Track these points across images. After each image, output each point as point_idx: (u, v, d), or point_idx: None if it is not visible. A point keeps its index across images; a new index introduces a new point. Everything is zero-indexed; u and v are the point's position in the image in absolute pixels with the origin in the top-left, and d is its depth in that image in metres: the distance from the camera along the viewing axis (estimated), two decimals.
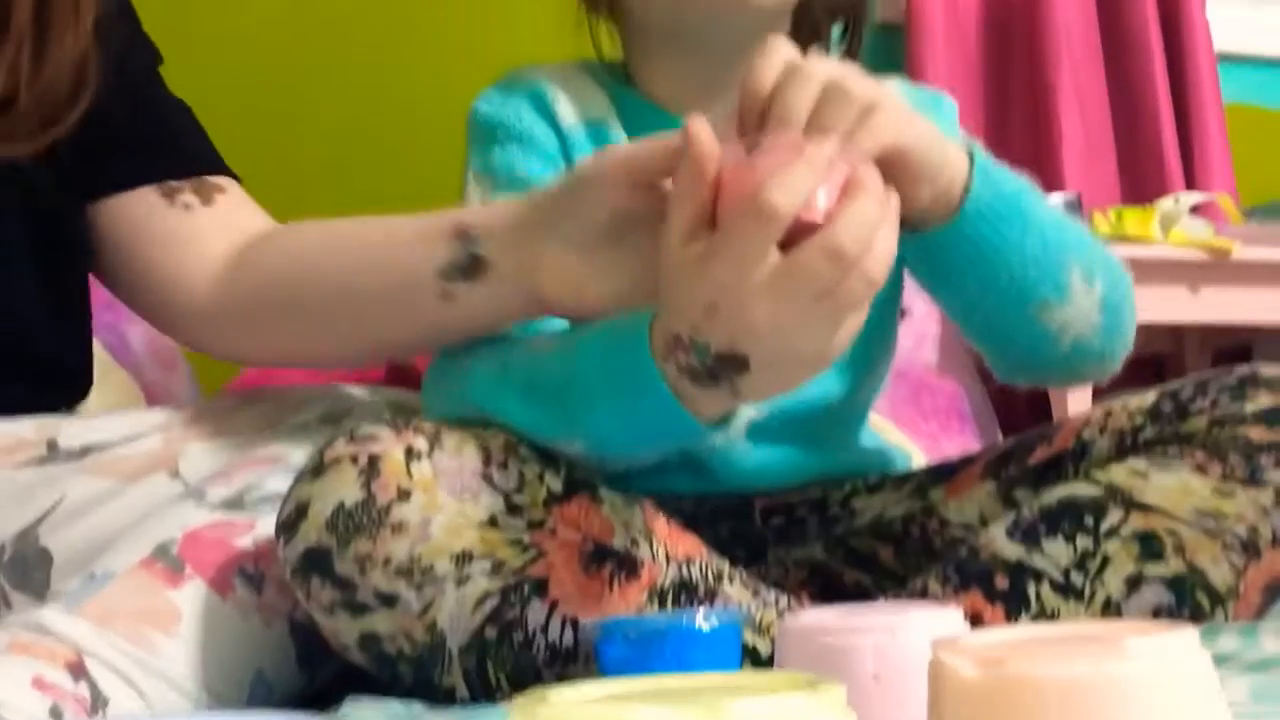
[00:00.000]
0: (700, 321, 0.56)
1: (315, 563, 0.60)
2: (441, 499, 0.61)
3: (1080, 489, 0.66)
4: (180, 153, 0.85)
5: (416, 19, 1.75)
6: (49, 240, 0.83)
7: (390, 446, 0.61)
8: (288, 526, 0.61)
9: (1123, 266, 0.77)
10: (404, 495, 0.60)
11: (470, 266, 0.68)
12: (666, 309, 0.59)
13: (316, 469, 0.61)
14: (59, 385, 0.83)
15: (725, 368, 0.57)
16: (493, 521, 0.61)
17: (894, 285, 0.83)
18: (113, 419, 0.80)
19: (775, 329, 0.55)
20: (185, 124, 0.88)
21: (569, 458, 0.66)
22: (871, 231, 0.54)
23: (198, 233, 0.82)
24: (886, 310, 0.82)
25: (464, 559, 0.60)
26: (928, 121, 0.65)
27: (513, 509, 0.62)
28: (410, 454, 0.61)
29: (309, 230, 0.80)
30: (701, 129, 0.55)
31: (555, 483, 0.64)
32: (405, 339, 0.75)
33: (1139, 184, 2.12)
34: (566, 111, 0.80)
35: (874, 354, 0.82)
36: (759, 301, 0.54)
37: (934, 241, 0.68)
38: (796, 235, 0.54)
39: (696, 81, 0.78)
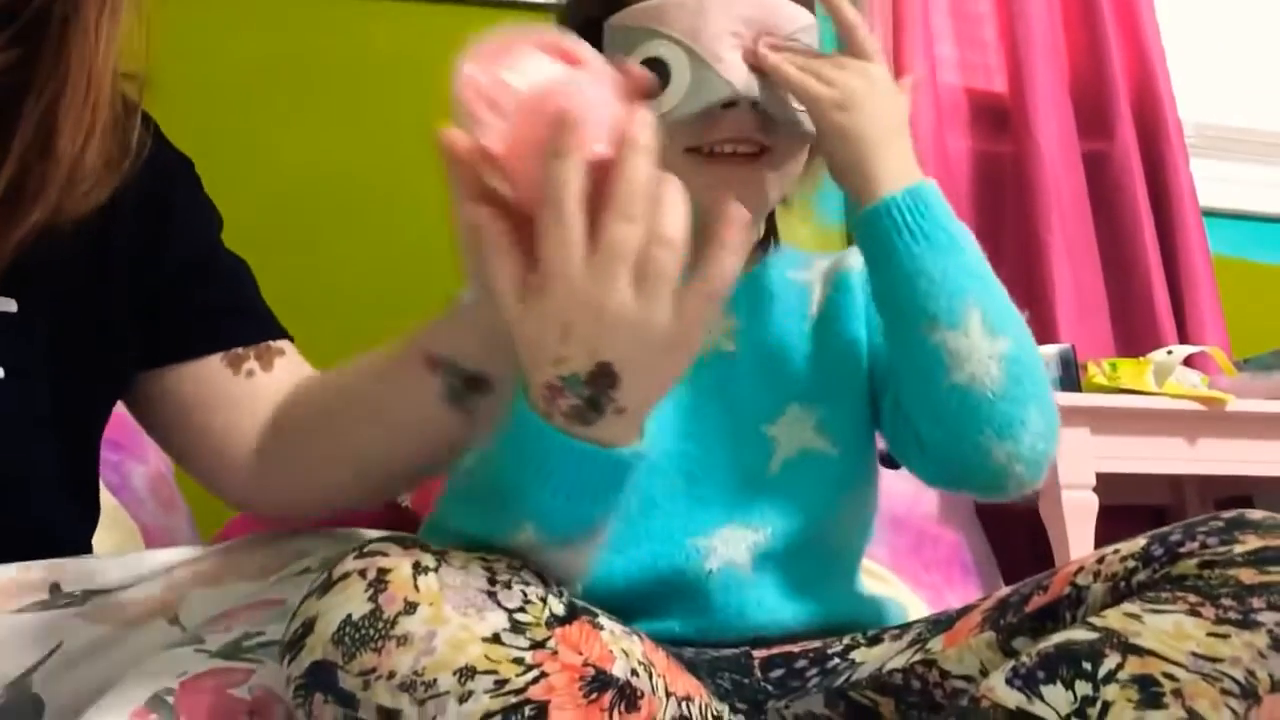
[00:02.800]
0: (559, 351, 0.60)
1: (320, 678, 0.60)
2: (446, 612, 0.60)
3: (1077, 634, 0.65)
4: (246, 319, 0.87)
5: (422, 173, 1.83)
6: (75, 414, 0.83)
7: (398, 560, 0.62)
8: (293, 644, 0.61)
9: (1042, 365, 0.83)
10: (410, 608, 0.60)
11: (473, 384, 0.70)
12: (528, 366, 0.62)
13: (325, 585, 0.62)
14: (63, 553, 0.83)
15: (600, 387, 0.60)
16: (496, 638, 0.61)
17: (865, 422, 0.89)
18: (115, 563, 0.79)
19: (619, 317, 0.59)
20: (248, 288, 0.90)
21: (533, 557, 0.66)
22: (649, 182, 0.58)
23: (253, 397, 0.83)
24: (859, 436, 0.88)
25: (467, 674, 0.60)
26: (892, 119, 0.83)
27: (516, 627, 0.62)
28: (417, 568, 0.62)
29: (313, 389, 0.82)
30: (477, 214, 0.60)
31: (557, 605, 0.64)
32: (435, 461, 0.76)
33: (1131, 336, 2.15)
34: None
35: (847, 483, 0.87)
36: (593, 292, 0.58)
37: (853, 217, 0.83)
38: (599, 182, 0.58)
39: None
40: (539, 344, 0.61)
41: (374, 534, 0.85)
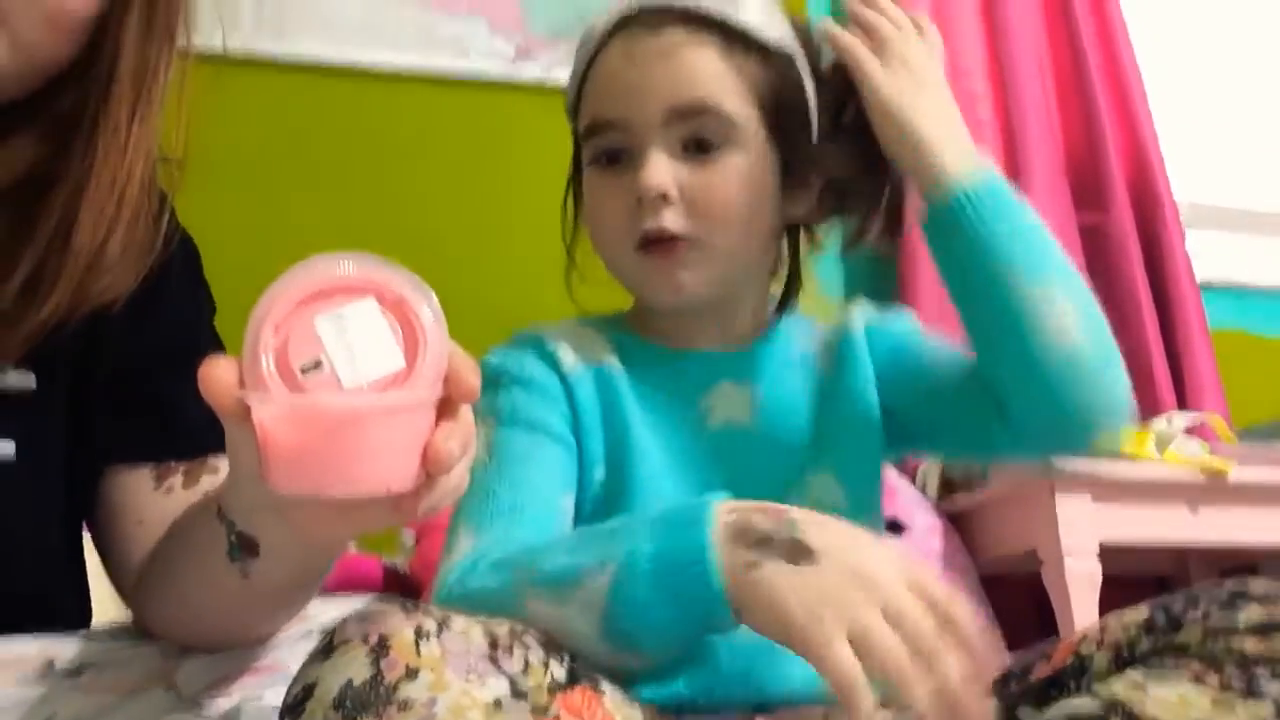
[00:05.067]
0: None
1: None
2: (448, 678, 0.60)
3: (1082, 704, 0.65)
4: (191, 428, 0.81)
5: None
6: (82, 490, 0.83)
7: (400, 626, 0.61)
8: (293, 709, 0.60)
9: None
10: (411, 674, 0.59)
11: (246, 545, 0.68)
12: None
13: (326, 649, 0.61)
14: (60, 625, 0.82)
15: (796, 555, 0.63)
16: (498, 704, 0.61)
17: (875, 489, 0.90)
18: (110, 639, 0.79)
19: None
20: None
21: (582, 650, 0.66)
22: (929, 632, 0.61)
23: (162, 516, 0.81)
24: (869, 502, 0.89)
25: None
26: (943, 115, 0.84)
27: (517, 693, 0.61)
28: (419, 633, 0.61)
29: (185, 517, 0.79)
30: None
31: (559, 671, 0.64)
32: (230, 621, 0.75)
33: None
34: (567, 357, 0.88)
35: None
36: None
37: (930, 212, 0.84)
38: None
39: (687, 319, 0.89)
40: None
41: (360, 602, 0.84)
